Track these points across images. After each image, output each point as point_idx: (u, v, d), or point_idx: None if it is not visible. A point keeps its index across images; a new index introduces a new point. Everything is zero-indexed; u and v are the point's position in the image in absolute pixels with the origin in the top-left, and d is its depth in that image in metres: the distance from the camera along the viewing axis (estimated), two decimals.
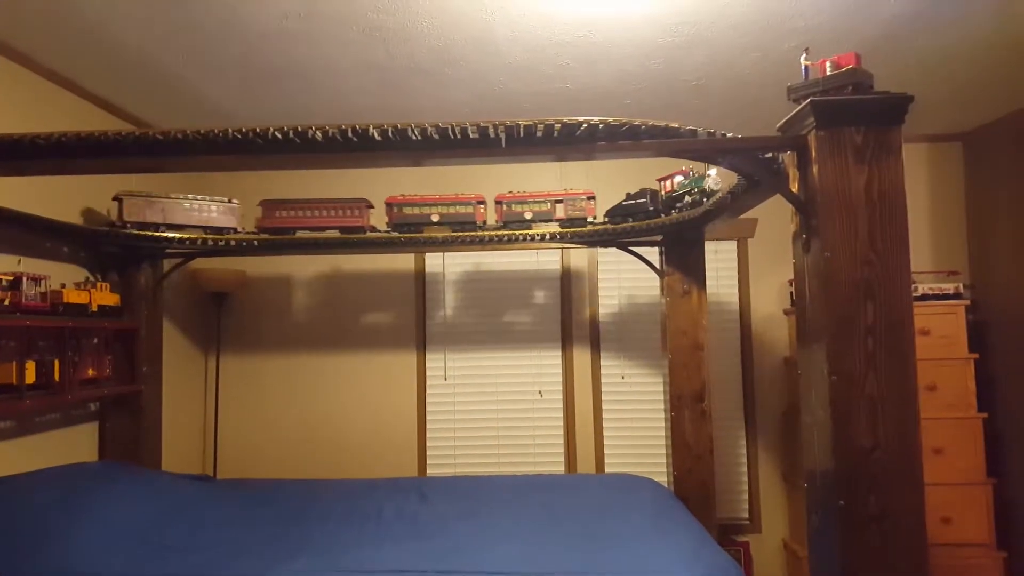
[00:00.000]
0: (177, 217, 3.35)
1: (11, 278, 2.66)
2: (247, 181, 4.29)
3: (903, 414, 1.74)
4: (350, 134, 1.74)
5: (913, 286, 3.68)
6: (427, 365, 4.35)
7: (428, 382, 4.33)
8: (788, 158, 2.01)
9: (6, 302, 2.61)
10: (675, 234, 3.24)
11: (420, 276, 4.39)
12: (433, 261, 4.40)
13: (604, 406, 4.27)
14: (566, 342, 4.30)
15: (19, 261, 2.85)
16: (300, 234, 3.49)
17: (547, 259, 4.35)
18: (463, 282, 4.39)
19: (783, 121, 1.95)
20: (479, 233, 3.40)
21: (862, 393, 1.74)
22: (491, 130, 1.71)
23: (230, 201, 3.49)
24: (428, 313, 4.38)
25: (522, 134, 1.72)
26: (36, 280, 2.77)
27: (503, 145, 1.73)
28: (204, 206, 3.42)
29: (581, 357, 4.29)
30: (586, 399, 4.27)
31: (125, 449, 3.40)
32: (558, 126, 1.72)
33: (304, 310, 4.41)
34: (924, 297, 3.74)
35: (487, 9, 2.67)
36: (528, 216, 3.33)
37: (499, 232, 3.40)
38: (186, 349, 4.22)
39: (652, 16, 2.76)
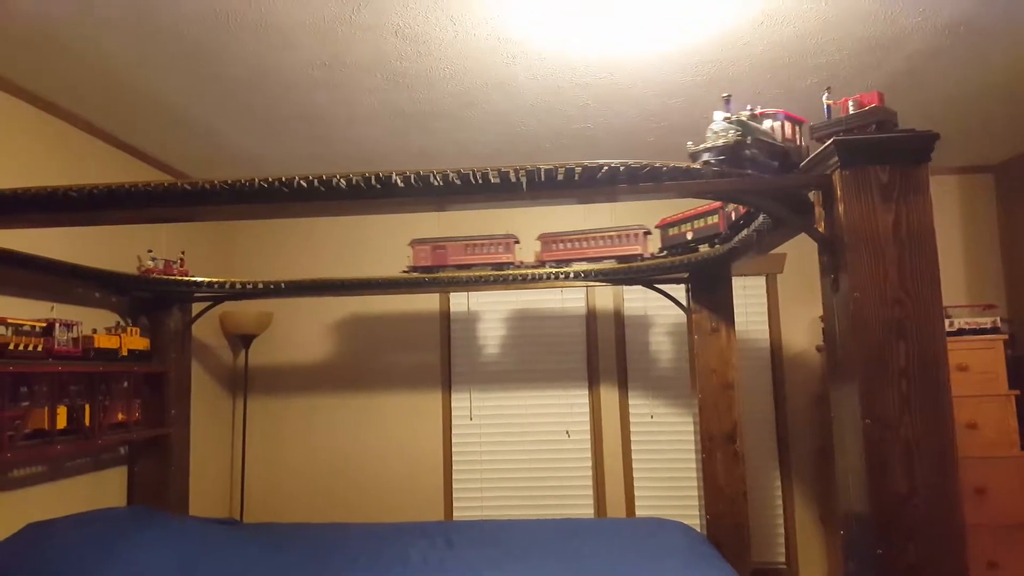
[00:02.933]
0: (462, 258, 3.36)
1: (44, 324, 2.71)
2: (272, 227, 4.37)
3: (941, 458, 1.68)
4: (373, 181, 1.75)
5: (948, 321, 3.59)
6: (452, 405, 4.33)
7: (454, 422, 4.31)
8: (813, 197, 1.98)
9: (39, 348, 2.66)
10: (701, 271, 3.21)
11: (445, 316, 4.40)
12: (457, 300, 4.40)
13: (633, 446, 4.19)
14: (593, 381, 4.25)
15: (52, 307, 2.91)
16: (322, 276, 3.52)
17: (572, 296, 4.33)
18: (488, 321, 4.38)
19: (806, 160, 1.94)
20: (504, 272, 3.39)
21: (897, 437, 1.68)
22: (512, 175, 1.72)
23: (508, 236, 3.44)
24: (453, 353, 4.37)
25: (543, 178, 1.72)
26: (68, 326, 2.81)
27: (524, 189, 1.73)
28: (487, 244, 3.39)
29: (608, 396, 4.24)
30: (614, 439, 4.20)
31: (153, 493, 3.41)
32: (579, 170, 1.72)
33: (330, 351, 4.43)
34: (960, 332, 3.64)
35: (508, 54, 2.71)
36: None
37: (522, 271, 3.39)
38: (213, 391, 4.25)
39: (672, 56, 2.78)
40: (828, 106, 1.95)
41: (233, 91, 2.97)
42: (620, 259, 3.20)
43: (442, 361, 4.36)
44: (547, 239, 3.35)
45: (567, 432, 4.22)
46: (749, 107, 1.93)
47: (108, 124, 3.28)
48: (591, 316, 4.31)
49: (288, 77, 2.85)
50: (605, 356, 4.27)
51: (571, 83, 2.98)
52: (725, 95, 1.95)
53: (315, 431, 4.36)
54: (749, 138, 1.83)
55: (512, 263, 3.32)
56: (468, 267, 3.37)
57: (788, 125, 1.97)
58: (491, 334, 4.36)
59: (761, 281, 4.33)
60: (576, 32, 2.56)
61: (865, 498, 1.70)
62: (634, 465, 4.18)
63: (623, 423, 4.21)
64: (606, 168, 1.70)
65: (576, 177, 1.71)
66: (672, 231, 3.09)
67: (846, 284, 1.79)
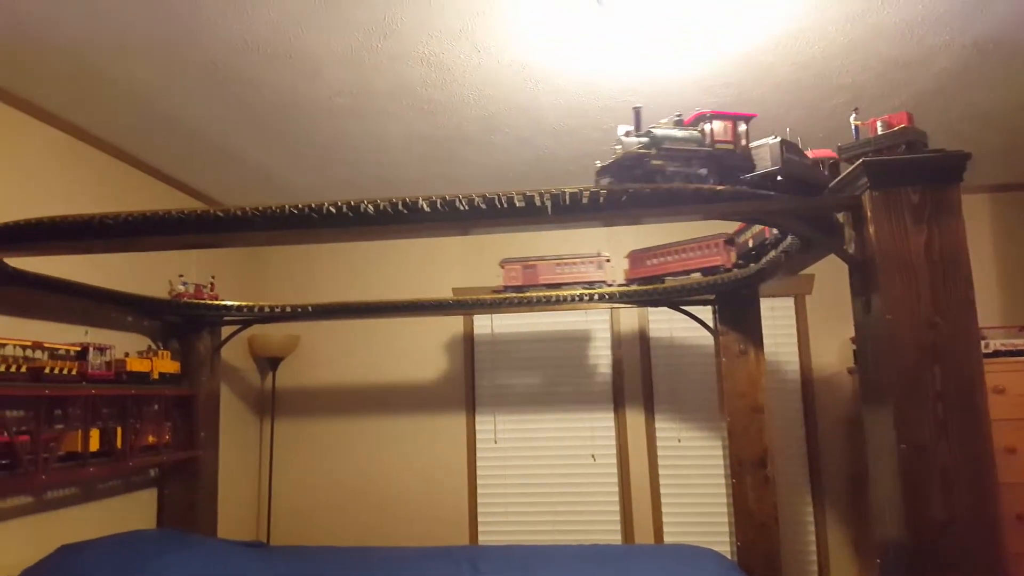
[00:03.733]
0: (552, 276, 3.31)
1: (78, 348, 2.77)
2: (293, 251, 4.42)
3: (980, 484, 1.63)
4: (400, 206, 1.77)
5: (984, 343, 3.51)
6: (477, 428, 4.32)
7: (478, 445, 4.30)
8: (842, 218, 1.96)
9: (74, 371, 2.71)
10: (728, 292, 3.18)
11: (468, 338, 4.40)
12: (481, 322, 4.41)
13: (660, 471, 4.14)
14: (618, 404, 4.22)
15: (86, 332, 2.97)
16: (352, 299, 3.56)
17: (596, 318, 4.31)
18: (511, 343, 4.38)
19: (835, 181, 1.92)
20: (524, 295, 3.38)
21: (934, 463, 1.64)
22: (537, 199, 1.72)
23: (599, 254, 3.35)
24: (477, 375, 4.37)
25: (567, 202, 1.73)
26: (101, 350, 2.87)
27: (549, 213, 1.73)
28: (579, 263, 3.31)
29: (635, 419, 4.20)
30: (641, 463, 4.15)
31: (182, 515, 3.44)
32: (603, 193, 1.72)
33: (355, 373, 4.45)
34: (996, 354, 3.55)
35: (531, 79, 2.73)
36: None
37: (547, 293, 3.39)
38: (241, 414, 4.29)
39: (696, 78, 2.78)
40: (856, 127, 1.93)
41: (263, 119, 3.04)
42: (704, 271, 3.05)
43: (466, 384, 4.36)
44: (636, 256, 3.25)
45: (592, 456, 4.18)
46: (677, 114, 1.89)
47: (141, 152, 3.36)
48: (616, 338, 4.28)
49: (316, 105, 2.91)
50: (630, 379, 4.24)
51: (594, 106, 2.99)
52: (635, 106, 1.92)
53: (341, 453, 4.37)
54: (654, 150, 1.78)
55: (604, 281, 3.19)
56: (559, 286, 3.27)
57: (722, 125, 1.87)
58: (515, 356, 4.35)
59: (789, 302, 4.28)
60: (598, 56, 2.58)
61: (902, 526, 1.65)
62: (662, 490, 4.12)
63: (650, 447, 4.16)
64: (631, 191, 1.70)
65: (601, 200, 1.71)
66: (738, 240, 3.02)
67: (878, 306, 1.76)
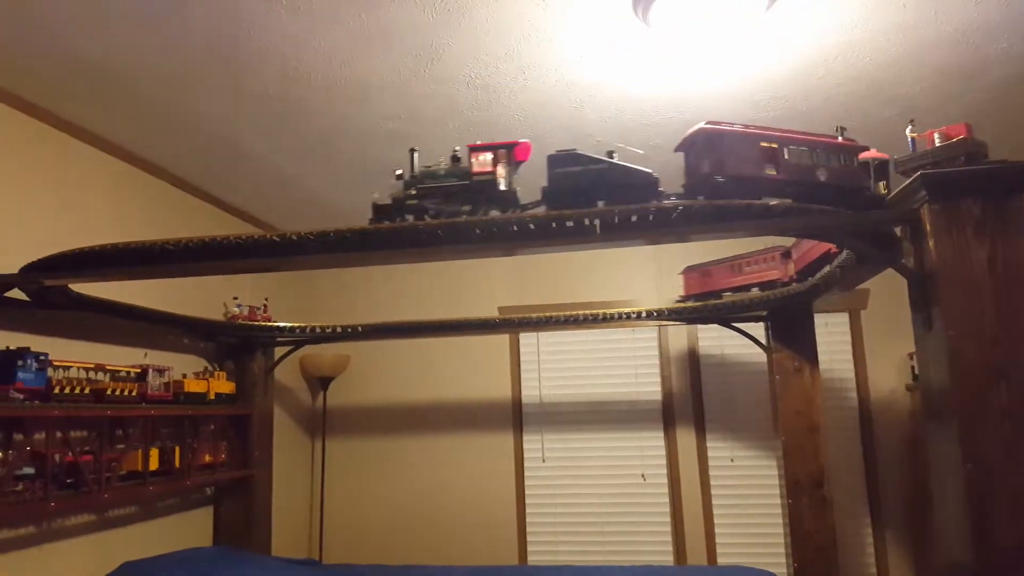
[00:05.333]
0: (729, 280, 3.16)
1: (138, 370, 2.85)
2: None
3: None
4: (451, 229, 1.79)
5: None
6: (524, 447, 4.30)
7: (526, 464, 4.28)
8: (900, 231, 1.92)
9: (134, 393, 2.79)
10: (781, 308, 3.12)
11: (515, 357, 4.41)
12: (527, 341, 4.41)
13: (713, 491, 4.06)
14: (668, 423, 4.16)
15: (146, 354, 3.06)
16: (398, 319, 3.61)
17: (643, 336, 4.27)
18: (557, 362, 4.36)
19: (892, 194, 1.88)
20: (567, 313, 3.38)
21: (1002, 483, 1.58)
22: (586, 218, 1.73)
23: (777, 247, 3.05)
24: (524, 394, 4.36)
25: (616, 220, 1.73)
26: (160, 371, 2.95)
27: (598, 232, 1.73)
28: (756, 262, 3.09)
29: (685, 439, 4.13)
30: (693, 483, 4.08)
31: (237, 532, 3.50)
32: (653, 211, 1.72)
33: (404, 392, 4.49)
34: None
35: (576, 99, 2.75)
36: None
37: (592, 311, 3.38)
38: (294, 433, 4.37)
39: (742, 93, 2.76)
40: (912, 139, 1.89)
41: (315, 145, 3.11)
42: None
43: (513, 402, 4.36)
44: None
45: (642, 475, 4.13)
46: (455, 148, 1.90)
47: (197, 178, 3.48)
48: (664, 356, 4.24)
49: (366, 130, 2.97)
50: (680, 397, 4.18)
51: (639, 123, 2.99)
52: (411, 148, 1.95)
53: (391, 471, 4.41)
54: (414, 190, 1.84)
55: (782, 280, 2.96)
56: (737, 289, 3.10)
57: (482, 157, 1.84)
58: (561, 375, 4.34)
59: (844, 318, 4.18)
60: (644, 74, 2.58)
61: (968, 549, 1.59)
62: (715, 511, 4.04)
63: (701, 467, 4.09)
64: (680, 209, 1.69)
65: (651, 218, 1.71)
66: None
67: (940, 322, 1.71)
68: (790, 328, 3.17)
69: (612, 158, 1.81)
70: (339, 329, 3.60)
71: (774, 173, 1.75)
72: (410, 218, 1.86)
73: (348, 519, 4.40)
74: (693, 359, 4.21)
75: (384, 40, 2.30)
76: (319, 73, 2.51)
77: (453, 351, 4.44)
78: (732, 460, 4.07)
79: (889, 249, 1.95)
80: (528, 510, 4.22)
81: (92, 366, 2.63)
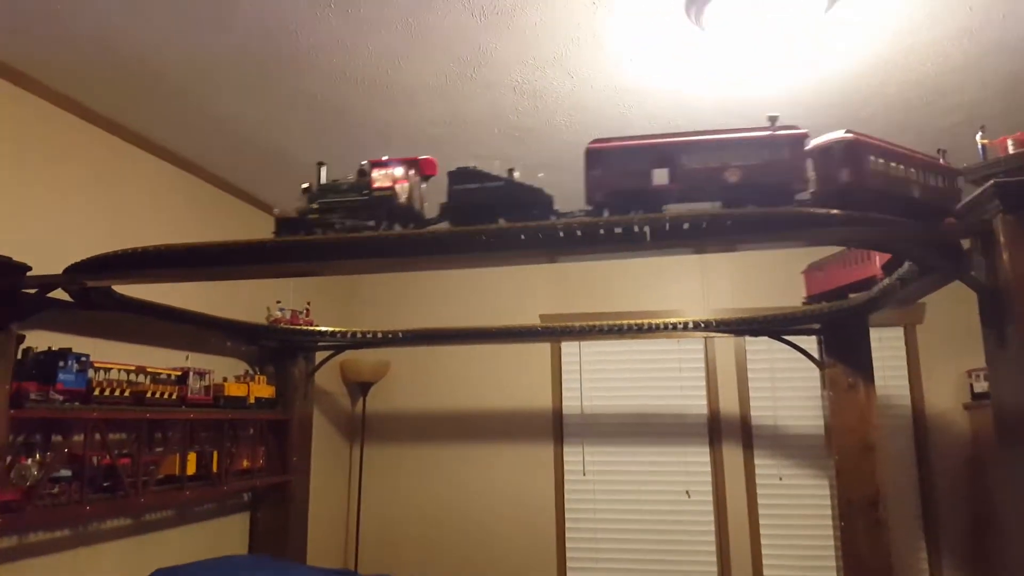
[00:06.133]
0: (852, 274, 2.80)
1: (179, 373, 2.85)
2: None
3: None
4: (496, 234, 1.73)
5: None
6: (565, 459, 4.21)
7: (566, 477, 4.19)
8: (969, 243, 1.80)
9: (174, 396, 2.78)
10: (835, 322, 2.98)
11: (556, 367, 4.32)
12: (569, 349, 4.32)
13: (760, 509, 3.91)
14: (714, 439, 4.03)
15: (187, 357, 3.06)
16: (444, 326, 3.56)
17: (689, 347, 4.15)
18: (599, 372, 4.27)
19: (962, 204, 1.76)
20: (609, 322, 3.28)
21: None
22: (636, 225, 1.65)
23: None
24: (565, 405, 4.27)
25: (667, 228, 1.64)
26: (201, 374, 2.95)
27: (648, 240, 1.65)
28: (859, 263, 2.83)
29: (732, 455, 3.99)
30: (739, 502, 3.94)
31: (274, 539, 3.48)
32: (707, 218, 1.63)
33: (442, 399, 4.44)
34: None
35: (624, 103, 2.68)
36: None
37: (639, 321, 3.29)
38: (332, 438, 4.35)
39: (796, 98, 2.66)
40: (983, 146, 1.78)
41: (361, 149, 3.08)
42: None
43: (553, 412, 4.27)
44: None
45: (687, 492, 4.00)
46: (364, 162, 1.87)
47: (244, 182, 3.50)
48: (711, 368, 4.11)
49: (411, 134, 2.94)
50: (727, 412, 4.04)
51: (688, 129, 2.89)
52: (319, 162, 1.94)
53: (428, 479, 4.36)
54: (316, 204, 1.85)
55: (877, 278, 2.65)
56: (855, 287, 2.80)
57: (382, 172, 1.83)
58: (603, 385, 4.24)
59: (899, 332, 4.00)
60: (695, 77, 2.49)
61: None
62: (762, 530, 3.89)
63: (749, 485, 3.94)
64: (736, 216, 1.60)
65: (704, 226, 1.62)
66: None
67: (1015, 339, 1.59)
68: (845, 343, 3.02)
69: (512, 176, 1.80)
70: (380, 334, 3.57)
71: (667, 182, 1.68)
72: (319, 231, 1.86)
73: (384, 527, 4.36)
74: (741, 372, 4.07)
75: (431, 44, 2.26)
76: (366, 78, 2.48)
77: (493, 358, 4.37)
78: (781, 479, 3.92)
79: (955, 261, 1.83)
80: (568, 524, 4.12)
81: (133, 368, 2.64)
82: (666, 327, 3.18)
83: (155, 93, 2.57)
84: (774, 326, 3.14)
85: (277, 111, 2.74)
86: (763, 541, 3.88)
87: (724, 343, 4.10)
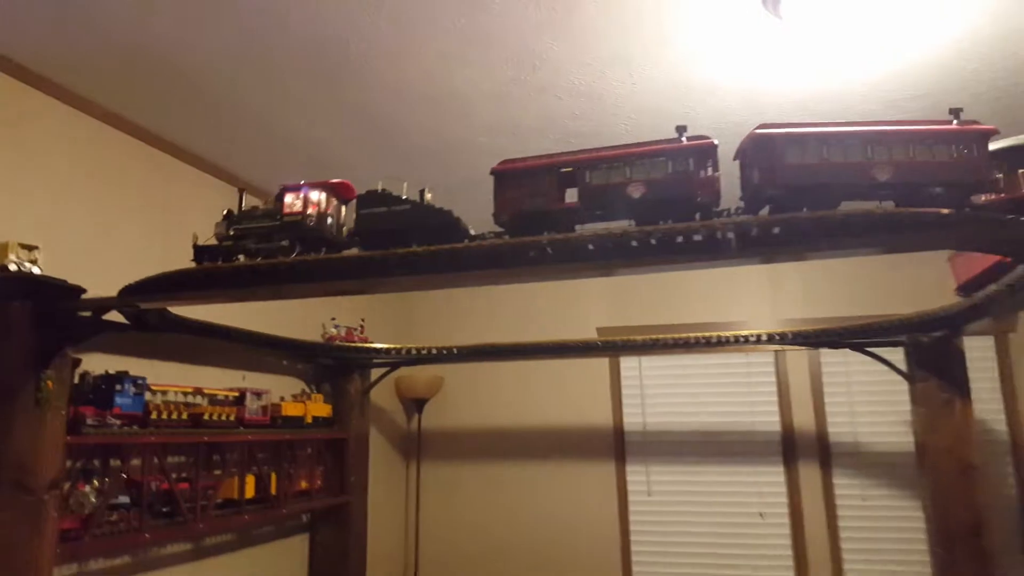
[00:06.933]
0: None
1: (236, 394, 2.80)
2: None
3: None
4: (561, 246, 1.60)
5: None
6: (628, 479, 4.03)
7: (630, 497, 4.00)
8: None
9: (231, 417, 2.73)
10: (925, 332, 2.75)
11: (616, 383, 4.15)
12: (628, 364, 4.15)
13: (842, 532, 3.66)
14: (789, 457, 3.79)
15: (243, 376, 3.02)
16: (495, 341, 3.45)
17: (758, 359, 3.93)
18: (661, 388, 4.08)
19: None
20: (674, 336, 3.12)
21: None
22: (718, 231, 1.49)
23: None
24: (626, 422, 4.10)
25: (755, 233, 1.48)
26: (258, 394, 2.90)
27: (733, 247, 1.50)
28: None
29: (809, 474, 3.74)
30: (818, 524, 3.69)
31: (333, 560, 3.41)
32: (807, 218, 1.45)
33: (498, 415, 4.32)
34: None
35: (689, 103, 2.53)
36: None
37: (705, 334, 3.11)
38: (389, 455, 4.27)
39: (877, 90, 2.46)
40: None
41: (411, 162, 3.02)
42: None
43: (614, 429, 4.10)
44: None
45: (760, 514, 3.78)
46: (282, 186, 1.84)
47: None
48: (783, 382, 3.88)
49: (463, 144, 2.85)
50: (801, 428, 3.80)
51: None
52: (239, 188, 1.94)
53: (486, 498, 4.24)
54: (232, 230, 1.84)
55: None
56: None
57: (292, 197, 1.80)
58: (666, 400, 4.05)
59: (988, 342, 3.71)
60: (769, 71, 2.33)
61: None
62: (844, 555, 3.63)
63: (828, 506, 3.69)
64: (845, 216, 1.42)
65: (803, 228, 1.45)
66: None
67: None
68: (937, 355, 2.78)
69: (424, 198, 1.77)
70: (435, 351, 3.49)
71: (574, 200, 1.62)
72: (241, 258, 1.85)
73: (443, 547, 4.25)
74: (816, 386, 3.82)
75: (484, 47, 2.16)
76: (418, 87, 2.40)
77: (548, 373, 4.23)
78: (863, 499, 3.65)
79: None
80: (633, 547, 3.94)
81: (190, 390, 2.60)
82: (737, 340, 2.99)
83: (206, 110, 2.54)
84: (854, 337, 2.92)
85: (328, 125, 2.68)
86: (845, 567, 3.62)
87: (796, 355, 3.86)
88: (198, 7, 1.94)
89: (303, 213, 1.80)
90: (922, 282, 3.54)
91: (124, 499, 2.26)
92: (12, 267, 1.96)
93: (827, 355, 3.79)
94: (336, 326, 3.47)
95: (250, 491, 2.80)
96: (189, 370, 2.76)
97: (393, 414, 4.37)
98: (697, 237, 1.51)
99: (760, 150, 1.53)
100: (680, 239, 1.53)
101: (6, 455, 1.85)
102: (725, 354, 3.91)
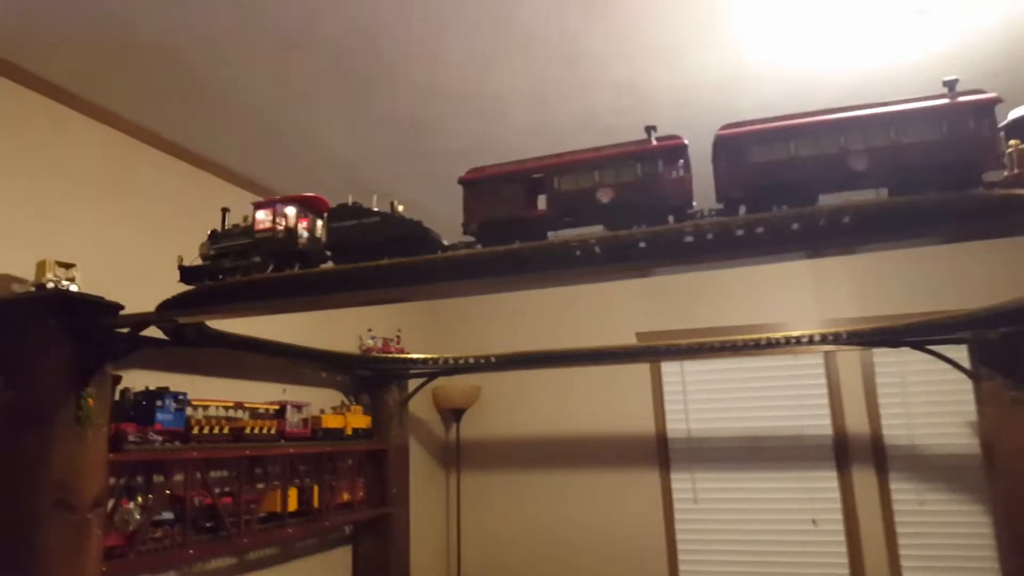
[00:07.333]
0: None
1: (277, 407, 2.77)
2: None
3: None
4: (611, 246, 1.52)
5: None
6: (673, 486, 3.92)
7: (675, 505, 3.89)
8: None
9: (272, 430, 2.70)
10: (992, 327, 2.61)
11: (657, 387, 4.04)
12: (670, 369, 4.04)
13: (900, 539, 3.49)
14: (842, 462, 3.64)
15: (284, 390, 2.99)
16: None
17: (806, 361, 3.79)
18: (704, 392, 3.96)
19: None
20: (719, 339, 3.02)
21: None
22: (782, 221, 1.40)
23: None
24: (669, 427, 3.98)
25: (823, 223, 1.38)
26: (298, 407, 2.86)
27: (802, 240, 1.40)
28: None
29: (863, 478, 3.59)
30: (875, 531, 3.53)
31: (376, 572, 3.38)
32: (887, 203, 1.35)
33: (537, 423, 4.24)
34: None
35: (736, 92, 2.43)
36: None
37: (752, 337, 3.00)
38: (428, 465, 4.21)
39: (942, 70, 2.33)
40: None
41: (444, 166, 2.96)
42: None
43: (657, 436, 3.99)
44: None
45: (813, 521, 3.63)
46: (253, 204, 1.86)
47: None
48: (833, 384, 3.73)
49: (498, 146, 2.78)
50: (854, 431, 3.65)
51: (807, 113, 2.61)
52: (222, 207, 1.94)
53: (528, 507, 4.16)
54: (213, 250, 1.87)
55: None
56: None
57: (263, 213, 1.81)
58: (710, 406, 3.93)
59: None
60: (822, 53, 2.23)
61: None
62: (903, 562, 3.47)
63: (885, 512, 3.53)
64: (924, 201, 1.32)
65: (881, 216, 1.34)
66: None
67: None
68: (1006, 352, 2.64)
69: (395, 210, 1.75)
70: (471, 360, 3.43)
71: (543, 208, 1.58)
72: (220, 276, 1.85)
73: (485, 557, 4.18)
74: (869, 387, 3.67)
75: (520, 44, 2.10)
76: (451, 88, 2.34)
77: (586, 380, 4.13)
78: (921, 504, 3.49)
79: None
80: (680, 555, 3.82)
81: (231, 404, 2.57)
82: (788, 342, 2.87)
83: (237, 122, 2.51)
84: (916, 335, 2.78)
85: (359, 131, 2.64)
86: (904, 573, 3.46)
87: (846, 356, 3.72)
88: (228, 13, 1.91)
89: (273, 229, 1.80)
90: (979, 275, 3.39)
91: (168, 515, 2.24)
92: (50, 285, 1.94)
93: (880, 354, 3.64)
94: (373, 337, 3.43)
95: (293, 504, 2.77)
96: (229, 384, 2.74)
97: (432, 424, 4.32)
98: (689, 239, 1.46)
99: (724, 150, 1.49)
100: (643, 244, 1.49)
101: (48, 474, 1.82)
102: (771, 357, 3.77)
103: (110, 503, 2.09)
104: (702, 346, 3.15)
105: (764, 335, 3.02)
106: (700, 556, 3.79)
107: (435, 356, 3.44)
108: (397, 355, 3.40)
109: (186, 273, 1.93)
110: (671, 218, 1.49)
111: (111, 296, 1.99)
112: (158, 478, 2.27)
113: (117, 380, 2.15)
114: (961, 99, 1.35)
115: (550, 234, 1.58)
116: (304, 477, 2.90)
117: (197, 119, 2.49)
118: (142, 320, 1.97)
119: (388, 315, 3.78)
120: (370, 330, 3.44)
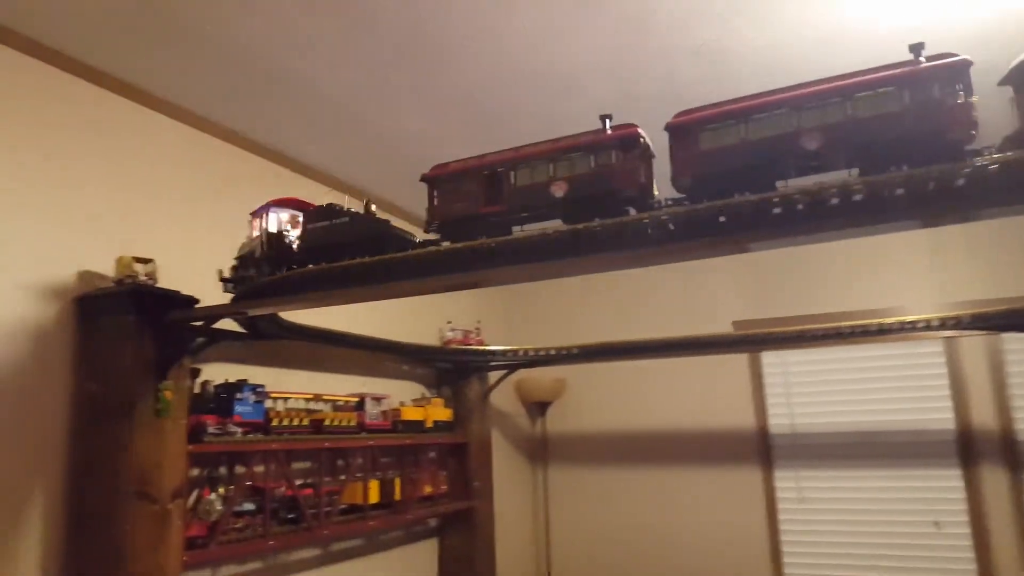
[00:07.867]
0: None
1: (356, 399, 2.76)
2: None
3: None
4: (701, 219, 1.37)
5: None
6: (776, 485, 3.67)
7: (779, 505, 3.64)
8: None
9: (352, 422, 2.70)
10: None
11: (757, 379, 3.80)
12: (770, 359, 3.78)
13: None
14: (968, 459, 3.29)
15: (364, 382, 2.98)
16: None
17: (926, 350, 3.44)
18: (810, 383, 3.68)
19: None
20: (824, 326, 2.78)
21: None
22: (884, 187, 1.21)
23: None
24: (770, 422, 3.73)
25: (932, 186, 1.19)
26: (378, 400, 2.85)
27: (904, 206, 1.21)
28: None
29: (992, 478, 3.23)
30: (1006, 535, 3.16)
31: (462, 566, 3.35)
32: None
33: (627, 417, 4.07)
34: None
35: (833, 55, 2.20)
36: None
37: (863, 322, 2.74)
38: (514, 459, 4.14)
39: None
40: None
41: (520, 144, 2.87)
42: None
43: (757, 431, 3.74)
44: None
45: (935, 523, 3.30)
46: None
47: (401, 199, 3.36)
48: (956, 375, 3.37)
49: (572, 123, 2.63)
50: (981, 426, 3.29)
51: None
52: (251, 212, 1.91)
53: (620, 505, 4.01)
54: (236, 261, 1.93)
55: None
56: None
57: (280, 215, 1.83)
58: (816, 399, 3.64)
59: None
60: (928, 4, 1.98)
61: None
62: None
63: (1018, 515, 3.17)
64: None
65: (1009, 174, 1.14)
66: None
67: None
68: None
69: (369, 210, 1.75)
70: (553, 352, 3.32)
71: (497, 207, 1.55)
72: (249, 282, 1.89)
73: (575, 554, 4.07)
74: (997, 377, 3.29)
75: (593, 11, 1.97)
76: (521, 66, 2.24)
77: (678, 372, 3.92)
78: None
79: None
80: (785, 558, 3.58)
81: (310, 396, 2.57)
82: (903, 328, 2.60)
83: (314, 113, 2.51)
84: None
85: (426, 117, 2.59)
86: None
87: (971, 344, 3.35)
88: (294, 3, 1.88)
89: (260, 236, 1.86)
90: None
91: (249, 506, 2.27)
92: (128, 280, 1.98)
93: (1010, 340, 3.26)
94: (452, 329, 3.39)
95: (374, 496, 2.77)
96: (307, 376, 2.75)
97: (516, 418, 4.24)
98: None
99: (674, 140, 1.41)
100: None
101: (128, 466, 1.86)
102: (883, 345, 3.45)
103: (192, 494, 2.12)
104: (804, 334, 2.92)
105: (877, 321, 2.76)
106: (807, 559, 3.53)
107: (515, 348, 3.35)
108: (477, 347, 3.34)
109: (225, 283, 1.99)
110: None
111: (190, 292, 2.02)
112: (239, 469, 2.30)
113: (196, 373, 2.18)
114: (924, 65, 1.20)
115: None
116: (386, 469, 2.89)
117: (269, 112, 2.50)
118: (215, 313, 1.98)
119: (468, 307, 3.73)
120: (449, 322, 3.40)
